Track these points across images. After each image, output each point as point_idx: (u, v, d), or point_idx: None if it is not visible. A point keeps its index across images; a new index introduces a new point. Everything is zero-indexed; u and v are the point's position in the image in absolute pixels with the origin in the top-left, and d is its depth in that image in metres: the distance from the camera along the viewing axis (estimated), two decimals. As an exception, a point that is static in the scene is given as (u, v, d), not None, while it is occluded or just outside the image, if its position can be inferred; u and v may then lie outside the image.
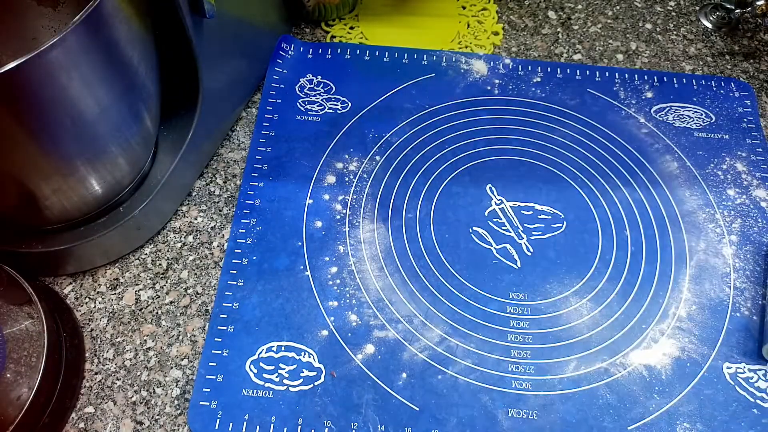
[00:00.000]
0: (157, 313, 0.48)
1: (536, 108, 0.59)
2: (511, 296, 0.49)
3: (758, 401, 0.45)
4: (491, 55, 0.63)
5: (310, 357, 0.46)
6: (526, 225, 0.53)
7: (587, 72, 0.62)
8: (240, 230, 0.52)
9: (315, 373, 0.45)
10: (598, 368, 0.46)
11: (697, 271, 0.51)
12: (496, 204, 0.54)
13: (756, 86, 0.62)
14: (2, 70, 0.31)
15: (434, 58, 0.63)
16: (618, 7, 0.68)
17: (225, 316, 0.48)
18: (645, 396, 0.45)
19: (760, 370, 0.46)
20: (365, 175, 0.55)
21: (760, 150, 0.57)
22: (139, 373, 0.46)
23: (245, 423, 0.43)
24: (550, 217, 0.53)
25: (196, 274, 0.50)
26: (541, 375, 0.46)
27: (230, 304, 0.48)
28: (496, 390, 0.45)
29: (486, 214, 0.53)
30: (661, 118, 0.59)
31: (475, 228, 0.52)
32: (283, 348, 0.46)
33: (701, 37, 0.66)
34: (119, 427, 0.44)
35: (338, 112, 0.59)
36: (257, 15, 0.58)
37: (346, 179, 0.55)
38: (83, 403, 0.45)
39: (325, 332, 0.47)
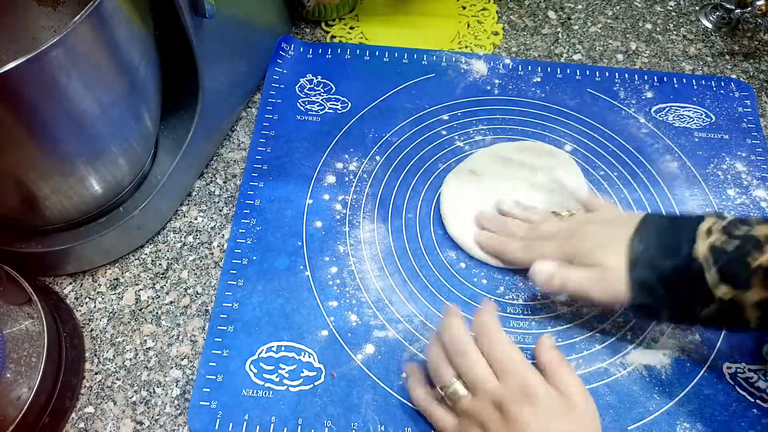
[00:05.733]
0: (157, 313, 0.48)
1: (536, 108, 0.59)
2: (511, 296, 0.49)
3: (758, 401, 0.45)
4: (491, 55, 0.63)
5: (310, 357, 0.46)
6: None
7: (587, 72, 0.62)
8: (240, 230, 0.52)
9: (315, 373, 0.45)
10: (598, 368, 0.46)
11: (697, 271, 0.50)
12: (496, 204, 0.54)
13: (756, 86, 0.62)
14: (2, 70, 0.31)
15: (434, 58, 0.63)
16: (618, 7, 0.68)
17: (225, 316, 0.48)
18: (645, 396, 0.45)
19: (760, 370, 0.46)
20: (365, 175, 0.55)
21: (760, 150, 0.57)
22: (139, 373, 0.46)
23: (245, 423, 0.43)
24: (550, 217, 0.53)
25: (196, 274, 0.50)
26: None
27: (230, 304, 0.48)
28: (496, 390, 0.45)
29: (486, 214, 0.53)
30: (661, 118, 0.59)
31: (475, 228, 0.52)
32: (283, 348, 0.46)
33: (701, 37, 0.66)
34: (119, 427, 0.44)
35: (338, 112, 0.59)
36: (257, 15, 0.58)
37: (346, 179, 0.55)
38: (83, 403, 0.45)
39: (325, 332, 0.47)
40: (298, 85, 0.60)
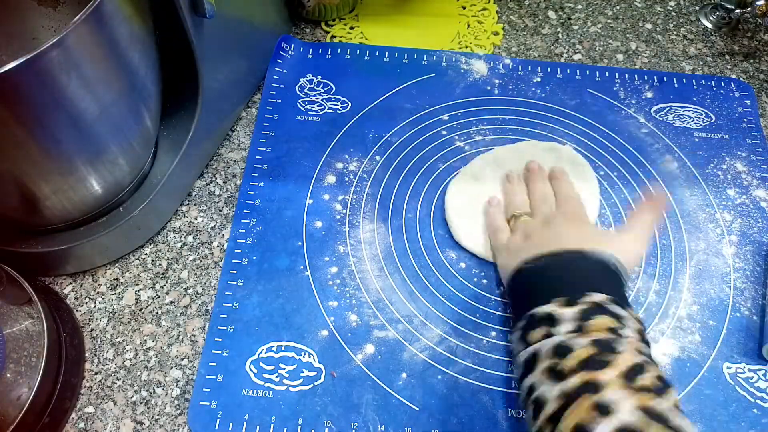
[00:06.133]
0: (157, 313, 0.48)
1: (536, 108, 0.59)
2: (511, 296, 0.49)
3: (758, 401, 0.45)
4: (491, 55, 0.63)
5: (310, 357, 0.46)
6: (526, 225, 0.52)
7: (587, 72, 0.62)
8: (240, 230, 0.52)
9: (315, 373, 0.45)
10: (598, 368, 0.46)
11: (697, 271, 0.50)
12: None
13: (756, 86, 0.62)
14: (2, 70, 0.31)
15: (434, 58, 0.63)
16: (618, 7, 0.68)
17: (225, 316, 0.48)
18: (645, 396, 0.45)
19: (760, 370, 0.46)
20: (365, 175, 0.55)
21: (760, 150, 0.57)
22: (139, 373, 0.46)
23: (245, 423, 0.43)
24: (550, 217, 0.53)
25: (196, 274, 0.50)
26: (541, 375, 0.46)
27: (230, 304, 0.48)
28: (496, 390, 0.45)
29: (486, 214, 0.53)
30: (661, 118, 0.59)
31: (475, 228, 0.52)
32: (283, 348, 0.46)
33: (701, 37, 0.66)
34: (119, 427, 0.44)
35: (338, 112, 0.59)
36: (257, 15, 0.58)
37: (346, 179, 0.55)
38: (83, 403, 0.45)
39: (325, 332, 0.47)
40: (298, 85, 0.60)
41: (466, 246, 0.51)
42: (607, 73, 0.62)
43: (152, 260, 0.51)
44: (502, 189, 0.53)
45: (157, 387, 0.45)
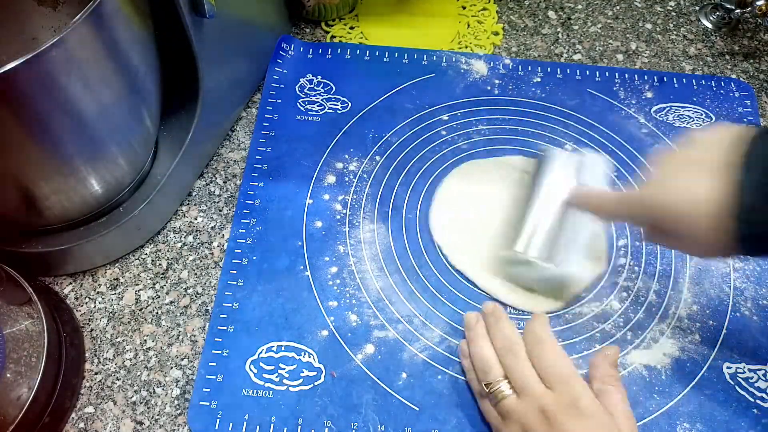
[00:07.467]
0: (157, 313, 0.48)
1: (536, 108, 0.59)
2: (511, 296, 0.49)
3: (758, 401, 0.45)
4: (491, 55, 0.63)
5: (310, 357, 0.46)
6: (526, 225, 0.52)
7: (587, 72, 0.62)
8: (240, 230, 0.52)
9: (315, 373, 0.45)
10: (598, 368, 0.46)
11: (697, 271, 0.50)
12: (496, 204, 0.54)
13: (756, 86, 0.62)
14: (2, 70, 0.31)
15: (434, 58, 0.63)
16: (618, 7, 0.68)
17: (225, 316, 0.48)
18: (645, 396, 0.45)
19: (760, 370, 0.46)
20: (365, 175, 0.55)
21: (760, 150, 0.57)
22: (139, 373, 0.46)
23: (245, 423, 0.43)
24: (550, 217, 0.53)
25: (196, 274, 0.50)
26: (541, 375, 0.46)
27: (230, 304, 0.48)
28: (496, 390, 0.45)
29: (486, 214, 0.53)
30: (661, 118, 0.59)
31: (475, 228, 0.52)
32: (283, 348, 0.46)
33: (701, 37, 0.66)
34: (119, 427, 0.44)
35: (338, 112, 0.59)
36: (257, 15, 0.58)
37: (346, 179, 0.55)
38: (83, 403, 0.45)
39: (325, 332, 0.47)
40: (298, 85, 0.60)
41: (459, 269, 0.50)
42: (607, 73, 0.62)
43: (152, 260, 0.51)
44: (466, 335, 0.44)
45: (157, 387, 0.45)
